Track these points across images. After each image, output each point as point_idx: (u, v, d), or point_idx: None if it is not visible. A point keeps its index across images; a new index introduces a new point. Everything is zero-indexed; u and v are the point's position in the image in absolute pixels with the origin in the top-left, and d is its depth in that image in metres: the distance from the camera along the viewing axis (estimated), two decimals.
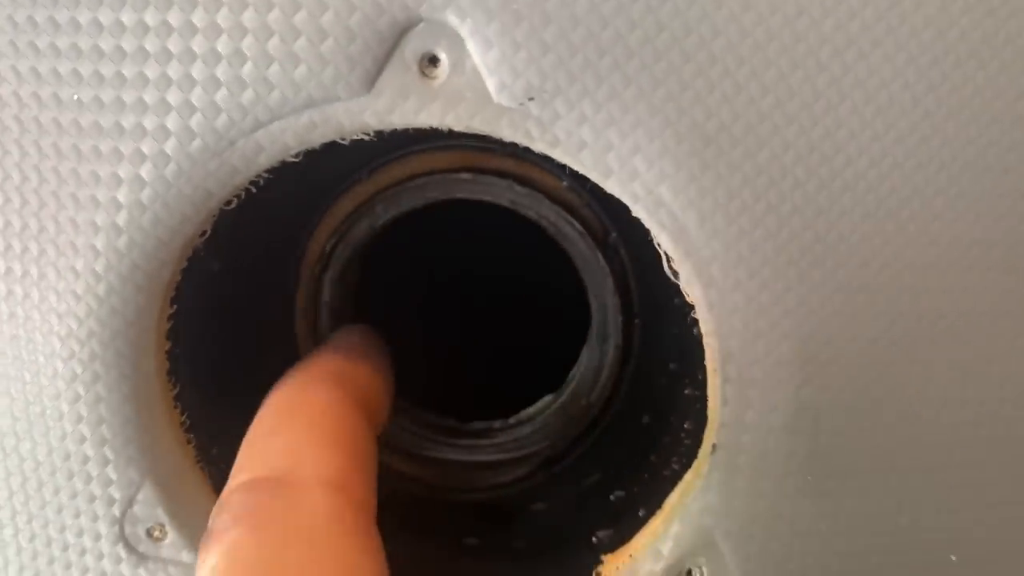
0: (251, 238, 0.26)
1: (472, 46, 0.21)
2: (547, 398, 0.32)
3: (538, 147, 0.22)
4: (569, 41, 0.21)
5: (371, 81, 0.22)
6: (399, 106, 0.22)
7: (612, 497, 0.29)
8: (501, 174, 0.29)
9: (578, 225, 0.29)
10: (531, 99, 0.21)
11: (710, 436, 0.24)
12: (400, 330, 0.32)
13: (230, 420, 0.28)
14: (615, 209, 0.29)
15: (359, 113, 0.22)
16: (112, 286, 0.24)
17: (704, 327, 0.23)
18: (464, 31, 0.21)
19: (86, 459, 0.25)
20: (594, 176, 0.22)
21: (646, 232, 0.28)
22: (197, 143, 0.22)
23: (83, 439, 0.25)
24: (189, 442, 0.26)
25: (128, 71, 0.22)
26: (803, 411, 0.24)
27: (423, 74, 0.22)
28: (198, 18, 0.22)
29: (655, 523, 0.25)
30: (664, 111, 0.21)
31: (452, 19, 0.21)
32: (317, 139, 0.22)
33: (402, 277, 0.34)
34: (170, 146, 0.22)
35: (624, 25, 0.21)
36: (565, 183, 0.28)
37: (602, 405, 0.31)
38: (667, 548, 0.25)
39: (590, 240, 0.29)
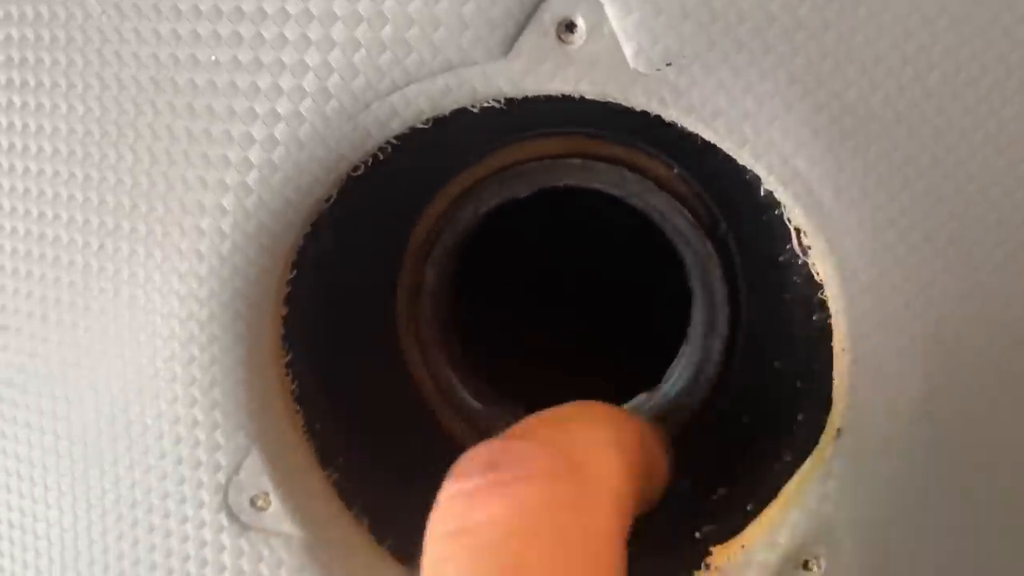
0: (365, 212, 0.26)
1: (611, 11, 0.21)
2: (641, 396, 0.32)
3: (670, 114, 0.22)
4: (710, 6, 0.21)
5: (509, 45, 0.22)
6: (534, 70, 0.22)
7: (715, 496, 0.29)
8: (612, 161, 0.29)
9: (688, 215, 0.29)
10: (668, 64, 0.21)
11: (834, 421, 0.23)
12: (495, 319, 0.32)
13: (334, 395, 0.28)
14: (725, 201, 0.29)
15: (494, 77, 0.22)
16: (237, 245, 0.24)
17: (834, 305, 0.23)
18: None
19: (195, 422, 0.25)
20: (727, 145, 0.22)
21: (757, 225, 0.28)
22: (333, 104, 0.23)
23: (194, 402, 0.25)
24: (297, 412, 0.26)
25: (268, 32, 0.23)
26: (933, 396, 0.23)
27: (560, 39, 0.22)
28: None
29: (770, 512, 0.25)
30: (803, 80, 0.21)
31: None
32: (450, 104, 0.23)
33: (502, 265, 0.34)
34: (305, 106, 0.23)
35: None
36: (676, 171, 0.28)
37: (703, 402, 0.30)
38: (783, 538, 0.24)
39: (700, 230, 0.29)
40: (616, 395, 0.33)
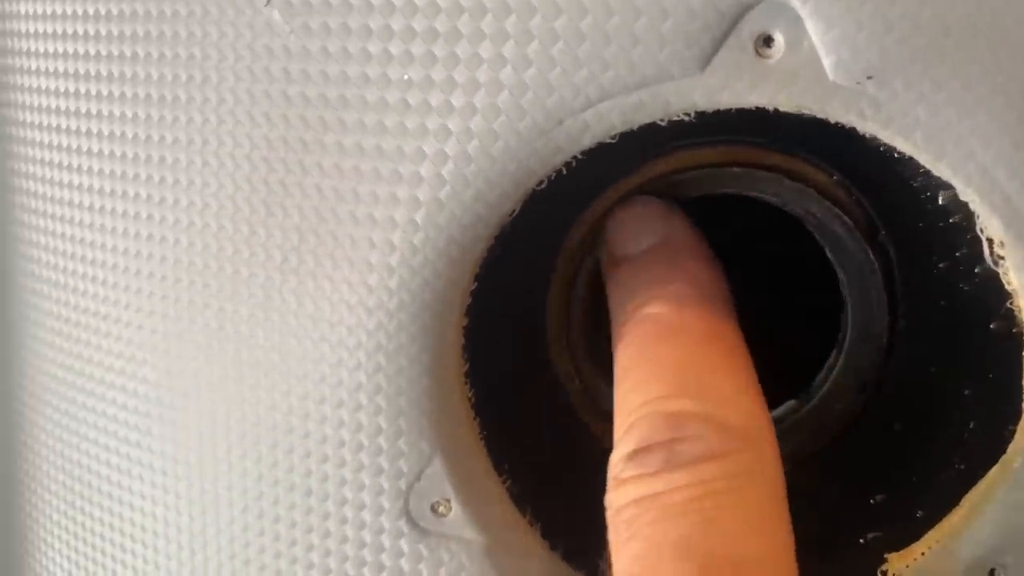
0: (535, 221, 0.27)
1: (811, 25, 0.22)
2: (790, 403, 0.32)
3: (868, 127, 0.22)
4: (915, 20, 0.21)
5: (706, 60, 0.22)
6: (731, 85, 0.22)
7: (872, 501, 0.29)
8: (770, 168, 0.29)
9: (848, 220, 0.29)
10: (869, 78, 0.22)
11: (1022, 436, 0.23)
12: None
13: (503, 402, 0.28)
14: (885, 208, 0.29)
15: (689, 92, 0.22)
16: (427, 258, 0.24)
17: None
18: (804, 11, 0.22)
19: (379, 430, 0.26)
20: (924, 158, 0.22)
21: (918, 232, 0.28)
22: (527, 121, 0.23)
23: (379, 410, 0.26)
24: (475, 419, 0.26)
25: (463, 51, 0.23)
26: None
27: (758, 53, 0.22)
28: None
29: (951, 521, 0.25)
30: (1007, 90, 0.21)
31: (793, 1, 0.22)
32: (641, 119, 0.23)
33: None
34: (500, 124, 0.23)
35: (970, 3, 0.21)
36: (836, 178, 0.28)
37: (857, 410, 0.30)
38: (967, 546, 0.24)
39: (859, 236, 0.29)
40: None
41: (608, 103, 0.23)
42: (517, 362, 0.30)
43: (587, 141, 0.23)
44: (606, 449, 0.33)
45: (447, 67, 0.23)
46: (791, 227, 0.30)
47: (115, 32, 0.28)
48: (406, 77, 0.24)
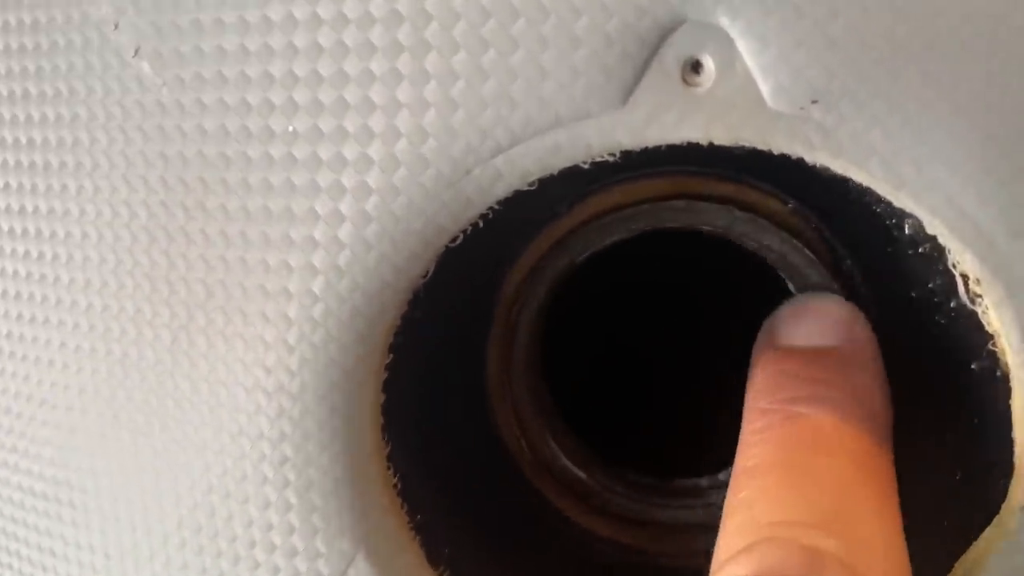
0: (457, 278, 0.24)
1: (744, 46, 0.19)
2: None
3: (818, 157, 0.19)
4: (859, 34, 0.18)
5: (627, 92, 0.19)
6: (658, 119, 0.19)
7: None
8: (720, 200, 0.26)
9: (808, 252, 0.26)
10: (814, 102, 0.19)
11: (1017, 493, 0.21)
12: (596, 373, 0.29)
13: (434, 481, 0.25)
14: (848, 235, 0.27)
15: (612, 130, 0.20)
16: (330, 333, 0.21)
17: (1013, 359, 0.20)
18: (735, 30, 0.19)
19: (291, 529, 0.23)
20: (883, 188, 0.19)
21: (884, 257, 0.25)
22: (431, 172, 0.20)
23: (289, 506, 0.23)
24: (402, 507, 0.23)
25: (352, 96, 0.20)
26: None
27: (685, 81, 0.19)
28: (431, 34, 0.20)
29: None
30: (970, 108, 0.19)
31: (722, 19, 0.19)
32: (560, 163, 0.20)
33: (600, 315, 0.31)
34: (399, 176, 0.20)
35: (925, 14, 0.18)
36: (791, 206, 0.26)
37: None
38: None
39: (823, 269, 0.26)
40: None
41: (520, 148, 0.20)
42: (451, 432, 0.27)
43: (501, 191, 0.20)
44: (567, 517, 0.30)
45: (335, 115, 0.20)
46: (746, 260, 0.28)
47: None
48: (291, 129, 0.21)
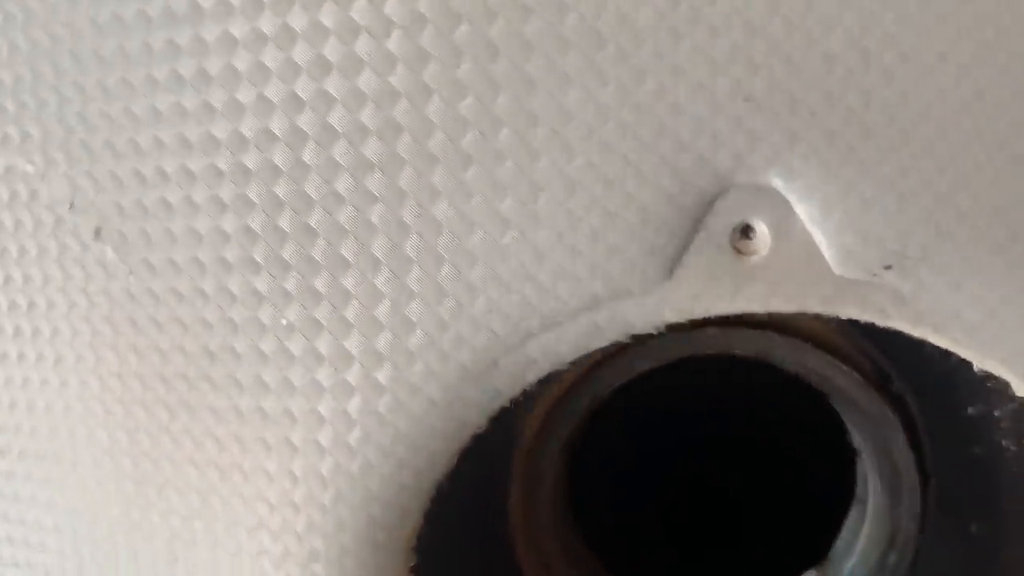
0: (477, 457, 0.21)
1: (803, 210, 0.16)
2: (811, 573, 0.27)
3: (894, 324, 0.17)
4: (937, 189, 0.16)
5: (672, 266, 0.17)
6: (707, 293, 0.17)
7: None
8: (753, 325, 0.24)
9: (855, 374, 0.24)
10: (887, 267, 0.17)
11: None
12: (627, 500, 0.27)
13: None
14: (894, 352, 0.24)
15: (655, 308, 0.17)
16: (345, 547, 0.19)
17: None
18: (792, 193, 0.16)
19: None
20: (967, 354, 0.17)
21: (937, 375, 0.23)
22: (451, 366, 0.18)
23: None
24: None
25: (351, 284, 0.18)
26: None
27: (736, 250, 0.17)
28: (440, 211, 0.17)
29: None
30: None
31: (775, 180, 0.16)
32: (598, 343, 0.18)
33: (628, 442, 0.29)
34: (416, 372, 0.18)
35: (1005, 160, 0.16)
36: (833, 325, 0.24)
37: None
38: None
39: (872, 391, 0.24)
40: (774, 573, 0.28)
41: (551, 333, 0.17)
42: None
43: (532, 377, 0.18)
44: None
45: (335, 303, 0.18)
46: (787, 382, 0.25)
47: None
48: (284, 322, 0.18)
